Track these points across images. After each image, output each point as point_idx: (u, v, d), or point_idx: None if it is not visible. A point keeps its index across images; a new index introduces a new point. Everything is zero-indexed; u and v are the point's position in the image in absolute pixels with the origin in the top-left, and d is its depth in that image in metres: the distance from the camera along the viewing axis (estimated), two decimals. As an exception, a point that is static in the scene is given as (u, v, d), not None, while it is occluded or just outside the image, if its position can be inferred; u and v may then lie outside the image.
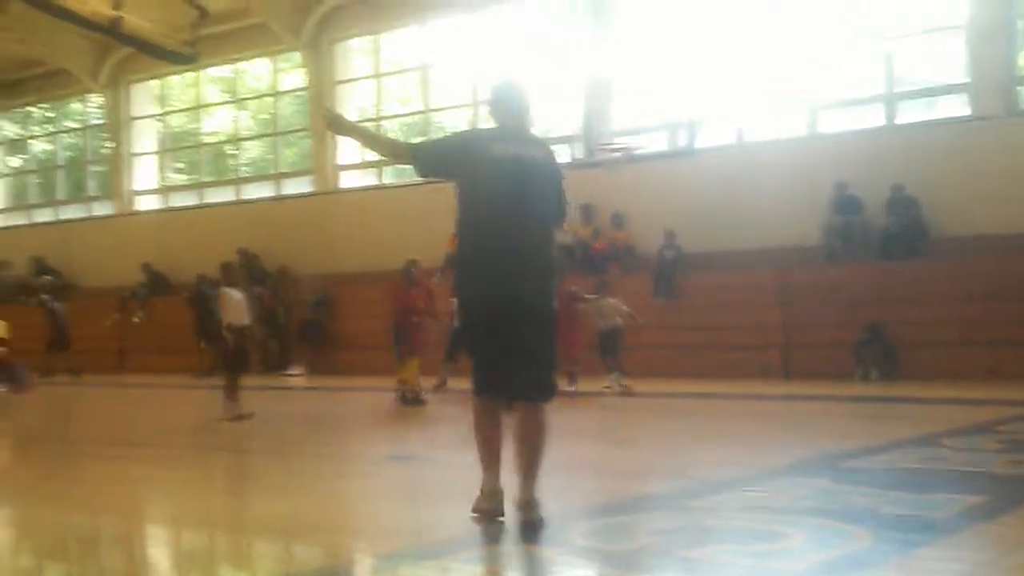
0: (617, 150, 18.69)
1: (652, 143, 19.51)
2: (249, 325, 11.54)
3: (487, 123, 6.02)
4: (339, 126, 6.04)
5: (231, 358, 11.38)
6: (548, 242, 5.66)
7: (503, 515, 5.40)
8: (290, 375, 20.15)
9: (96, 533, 6.15)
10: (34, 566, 5.48)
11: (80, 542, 5.91)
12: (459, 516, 5.58)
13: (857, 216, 16.58)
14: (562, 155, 19.59)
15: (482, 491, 5.49)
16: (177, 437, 10.65)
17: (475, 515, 5.46)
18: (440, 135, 5.60)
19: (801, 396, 13.50)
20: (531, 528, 5.30)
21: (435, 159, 5.84)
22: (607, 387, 13.73)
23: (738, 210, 17.14)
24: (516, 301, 5.47)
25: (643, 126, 19.57)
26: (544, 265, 5.60)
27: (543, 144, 5.87)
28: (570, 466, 7.70)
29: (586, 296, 13.78)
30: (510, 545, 5.27)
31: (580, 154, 19.34)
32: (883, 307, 15.40)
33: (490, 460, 5.46)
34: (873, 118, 17.56)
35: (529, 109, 5.82)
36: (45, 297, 22.93)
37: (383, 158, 14.25)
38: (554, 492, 5.97)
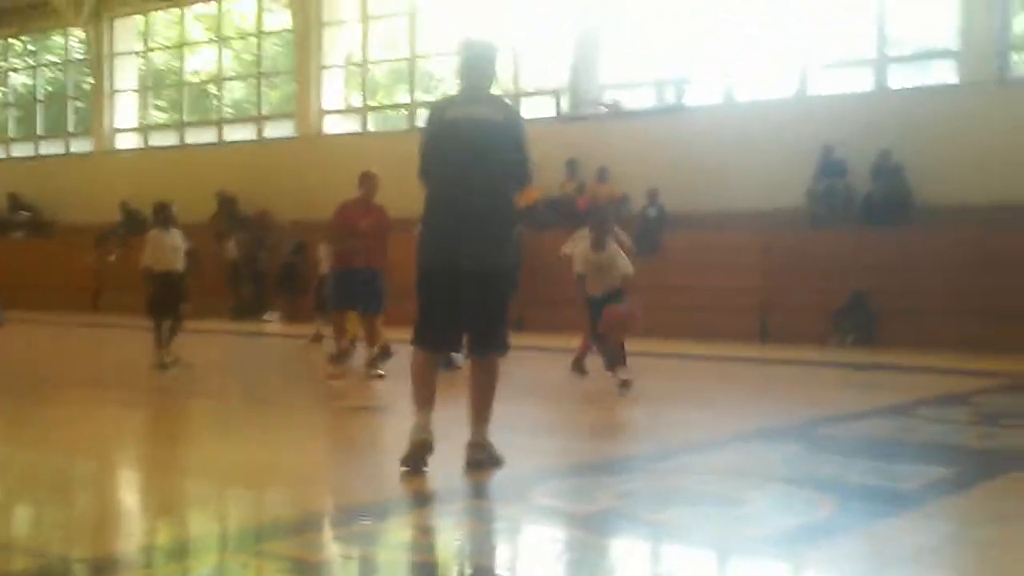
0: (604, 104, 18.53)
1: (640, 99, 19.33)
2: (178, 270, 11.06)
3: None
4: None
5: (149, 304, 11.02)
6: (505, 203, 5.74)
7: (431, 449, 5.50)
8: (266, 320, 20.03)
9: (66, 475, 6.06)
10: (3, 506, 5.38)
11: (51, 486, 5.82)
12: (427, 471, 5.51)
13: (841, 180, 16.46)
14: (547, 108, 19.52)
15: (413, 427, 5.59)
16: (147, 380, 10.52)
17: (405, 454, 5.52)
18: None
19: (777, 360, 13.46)
20: (478, 466, 5.56)
21: (424, 161, 5.84)
22: None
23: (724, 170, 17.00)
24: (467, 260, 5.59)
25: (631, 81, 19.36)
26: (498, 226, 5.71)
27: (504, 106, 5.94)
28: (537, 425, 7.65)
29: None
30: (472, 502, 5.24)
31: (567, 107, 19.15)
32: (864, 273, 15.34)
33: (422, 403, 5.61)
34: (863, 81, 17.40)
35: (491, 71, 5.89)
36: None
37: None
38: (520, 452, 5.93)
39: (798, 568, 4.28)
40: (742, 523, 4.77)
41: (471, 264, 5.60)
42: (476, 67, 5.83)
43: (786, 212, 16.53)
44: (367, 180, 10.68)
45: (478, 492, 5.42)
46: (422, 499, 5.30)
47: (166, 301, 10.96)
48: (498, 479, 5.56)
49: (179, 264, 11.14)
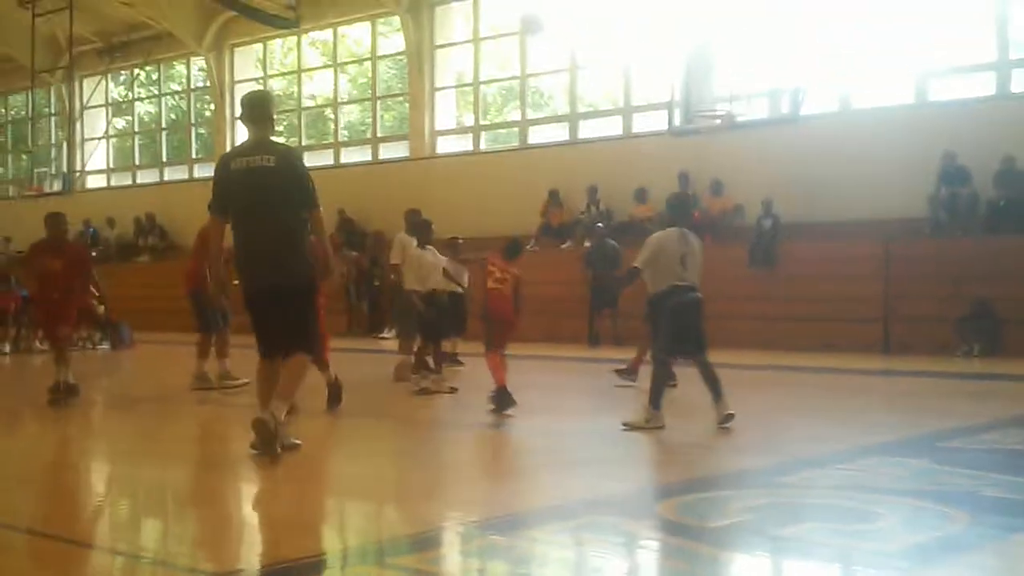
0: (717, 116, 18.40)
1: (754, 110, 19.13)
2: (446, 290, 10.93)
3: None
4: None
5: (423, 326, 10.68)
6: (289, 230, 6.83)
7: (276, 435, 6.59)
8: (383, 338, 20.35)
9: (191, 488, 6.31)
10: (133, 520, 5.63)
11: (176, 498, 6.06)
12: (550, 485, 5.57)
13: (965, 188, 16.07)
14: (659, 123, 19.46)
15: (255, 419, 6.67)
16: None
17: (254, 440, 6.64)
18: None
19: (900, 371, 13.20)
20: (263, 427, 6.54)
21: (216, 200, 6.92)
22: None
23: (841, 179, 16.76)
24: (267, 286, 6.80)
25: (745, 92, 19.18)
26: (287, 250, 6.82)
27: (278, 149, 6.96)
28: (661, 441, 7.64)
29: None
30: (598, 517, 5.25)
31: (680, 121, 19.07)
32: (988, 282, 14.93)
33: (263, 399, 6.78)
34: (984, 86, 16.96)
35: (266, 119, 7.00)
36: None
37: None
38: (645, 467, 5.94)
39: (932, 584, 4.22)
40: (872, 538, 4.72)
41: (266, 284, 6.79)
42: (252, 118, 6.94)
43: (907, 221, 16.20)
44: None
45: (603, 507, 5.41)
46: (547, 514, 5.32)
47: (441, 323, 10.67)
48: (623, 494, 5.58)
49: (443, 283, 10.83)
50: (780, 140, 17.42)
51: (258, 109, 7.01)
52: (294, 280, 6.81)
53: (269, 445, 6.54)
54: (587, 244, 18.77)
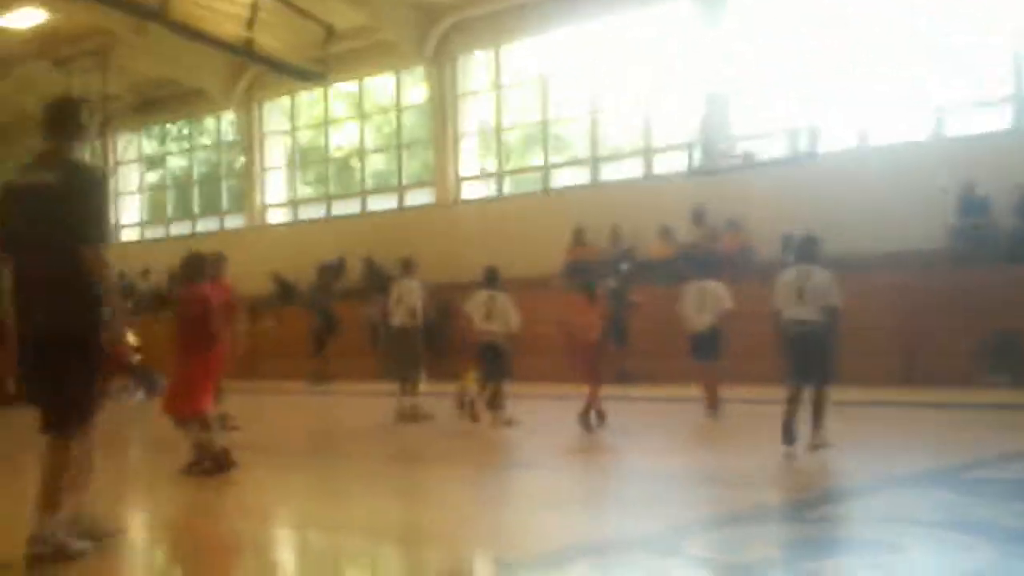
0: (736, 156, 18.67)
1: (771, 148, 19.39)
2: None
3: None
4: None
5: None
6: (64, 268, 5.30)
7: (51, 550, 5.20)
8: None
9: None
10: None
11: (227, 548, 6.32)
12: (572, 523, 5.75)
13: (984, 218, 16.24)
14: (680, 163, 19.75)
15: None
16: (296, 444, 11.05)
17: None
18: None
19: (923, 403, 13.30)
20: (37, 562, 5.12)
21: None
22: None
23: (861, 214, 16.93)
24: (28, 328, 5.34)
25: (763, 131, 19.45)
26: (57, 291, 5.32)
27: (66, 164, 5.46)
28: (686, 475, 7.84)
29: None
30: (626, 554, 5.41)
31: (699, 161, 19.34)
32: (1011, 312, 15.04)
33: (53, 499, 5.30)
34: (1001, 120, 17.17)
35: (59, 129, 5.54)
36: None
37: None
38: (670, 502, 6.11)
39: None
40: (902, 570, 4.86)
41: (31, 331, 5.34)
42: (45, 124, 5.56)
43: (927, 253, 16.36)
44: None
45: (633, 545, 5.53)
46: (576, 551, 5.43)
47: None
48: (650, 531, 5.73)
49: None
50: (798, 178, 17.62)
51: (51, 112, 5.61)
52: (64, 328, 5.31)
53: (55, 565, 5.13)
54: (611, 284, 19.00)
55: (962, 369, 15.12)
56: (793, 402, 8.78)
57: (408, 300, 12.86)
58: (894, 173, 16.96)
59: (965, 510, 6.22)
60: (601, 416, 11.26)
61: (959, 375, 15.04)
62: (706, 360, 12.17)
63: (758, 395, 13.76)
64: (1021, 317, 14.94)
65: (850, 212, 16.99)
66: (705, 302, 12.18)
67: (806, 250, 9.42)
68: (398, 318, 12.92)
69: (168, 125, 30.63)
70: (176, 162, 31.18)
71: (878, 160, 17.52)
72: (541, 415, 12.86)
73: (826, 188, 17.39)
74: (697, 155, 19.08)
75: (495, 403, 11.43)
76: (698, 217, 18.85)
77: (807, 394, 8.78)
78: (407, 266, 13.51)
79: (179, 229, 29.89)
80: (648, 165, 20.92)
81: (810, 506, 6.53)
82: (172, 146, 31.26)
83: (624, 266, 18.86)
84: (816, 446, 8.47)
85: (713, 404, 12.16)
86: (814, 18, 18.79)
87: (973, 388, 14.46)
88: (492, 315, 11.47)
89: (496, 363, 11.51)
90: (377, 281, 22.86)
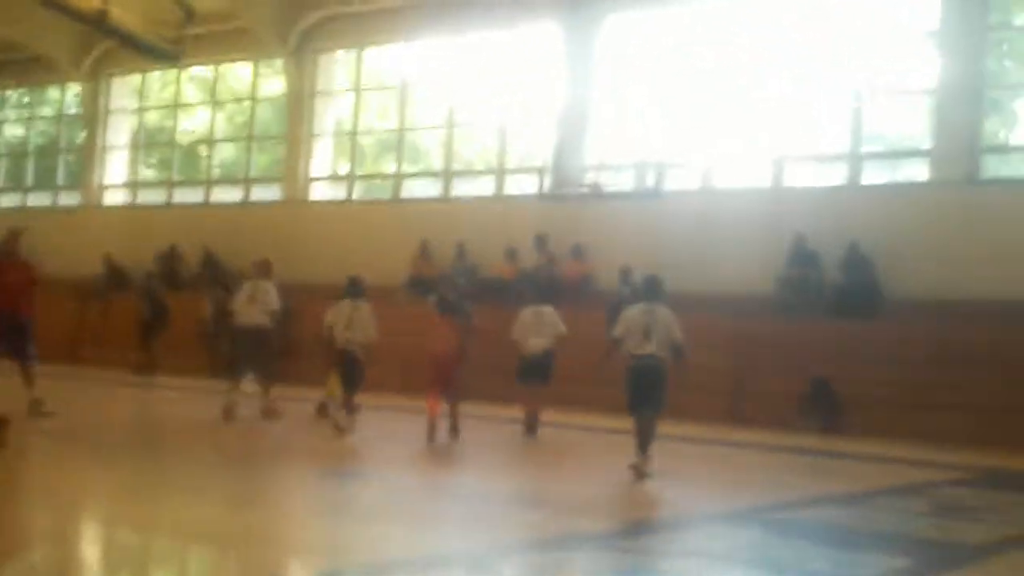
0: (585, 186, 18.99)
1: (620, 181, 19.79)
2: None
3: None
4: None
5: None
6: None
7: None
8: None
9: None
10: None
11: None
12: (398, 535, 5.73)
13: (813, 270, 16.91)
14: (531, 186, 19.97)
15: None
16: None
17: None
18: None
19: (743, 443, 13.73)
20: None
21: None
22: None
23: (698, 254, 17.42)
24: None
25: (612, 164, 19.86)
26: None
27: None
28: (506, 498, 7.89)
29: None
30: (445, 570, 5.43)
31: (549, 186, 19.58)
32: (831, 363, 15.67)
33: None
34: (837, 175, 17.96)
35: None
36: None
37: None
38: (486, 523, 6.13)
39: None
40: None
41: None
42: None
43: (758, 298, 16.93)
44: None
45: (430, 563, 5.52)
46: (398, 565, 5.42)
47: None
48: (459, 552, 5.74)
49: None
50: (642, 213, 18.02)
51: None
52: None
53: None
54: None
55: (781, 412, 15.69)
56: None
57: (264, 301, 12.68)
58: (734, 218, 17.52)
59: (773, 549, 6.45)
60: (455, 432, 11.37)
61: (778, 418, 15.60)
62: (535, 383, 12.31)
63: (579, 420, 14.09)
64: (836, 367, 15.59)
65: (690, 251, 17.45)
66: (542, 326, 12.35)
67: (651, 289, 9.69)
68: (249, 317, 12.67)
69: (7, 91, 29.25)
70: (11, 130, 29.81)
71: (720, 203, 18.08)
72: (381, 426, 12.81)
73: (669, 225, 17.83)
74: (547, 180, 19.36)
75: (348, 410, 11.39)
76: (540, 242, 19.09)
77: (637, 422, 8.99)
78: (263, 267, 13.29)
79: (8, 201, 28.58)
80: (500, 185, 21.05)
81: (620, 536, 6.65)
82: (10, 113, 29.88)
83: (461, 280, 18.85)
84: (641, 472, 8.69)
85: (533, 427, 12.37)
86: (673, 59, 19.32)
87: (789, 431, 15.02)
88: (352, 325, 11.50)
89: (352, 373, 11.50)
90: (215, 275, 22.33)
